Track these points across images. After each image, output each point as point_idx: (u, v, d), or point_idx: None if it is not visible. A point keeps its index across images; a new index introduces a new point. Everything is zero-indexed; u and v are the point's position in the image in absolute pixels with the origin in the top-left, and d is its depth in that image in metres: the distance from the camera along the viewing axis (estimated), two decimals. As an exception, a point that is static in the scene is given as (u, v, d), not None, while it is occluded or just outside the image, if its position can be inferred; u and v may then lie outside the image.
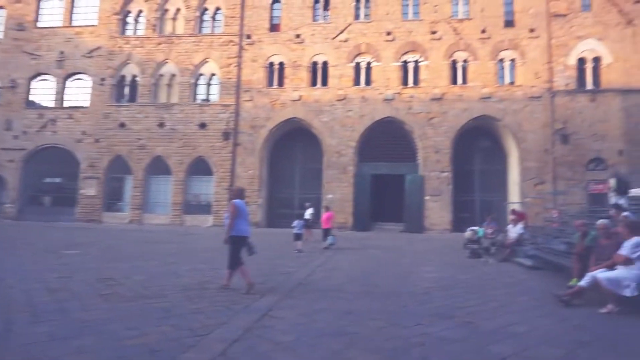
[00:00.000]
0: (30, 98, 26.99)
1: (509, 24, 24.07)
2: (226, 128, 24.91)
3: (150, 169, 25.39)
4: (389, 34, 24.48)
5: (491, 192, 24.44)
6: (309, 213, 17.40)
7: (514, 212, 15.07)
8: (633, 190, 14.42)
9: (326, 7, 25.56)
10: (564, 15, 23.31)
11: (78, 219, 25.10)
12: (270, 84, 25.29)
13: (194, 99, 25.79)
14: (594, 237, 7.60)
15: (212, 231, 20.66)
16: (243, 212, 7.16)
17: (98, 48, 26.38)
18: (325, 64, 24.90)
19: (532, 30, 23.55)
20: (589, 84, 23.00)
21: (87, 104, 26.25)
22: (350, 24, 24.91)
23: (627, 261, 6.00)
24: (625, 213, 8.27)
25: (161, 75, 26.04)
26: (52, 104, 26.64)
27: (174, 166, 25.02)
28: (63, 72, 26.62)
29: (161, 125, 25.30)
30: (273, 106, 24.85)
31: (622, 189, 12.46)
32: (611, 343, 4.71)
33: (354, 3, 25.15)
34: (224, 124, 24.97)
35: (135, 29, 26.91)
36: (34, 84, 27.07)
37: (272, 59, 25.32)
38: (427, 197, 23.32)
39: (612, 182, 12.71)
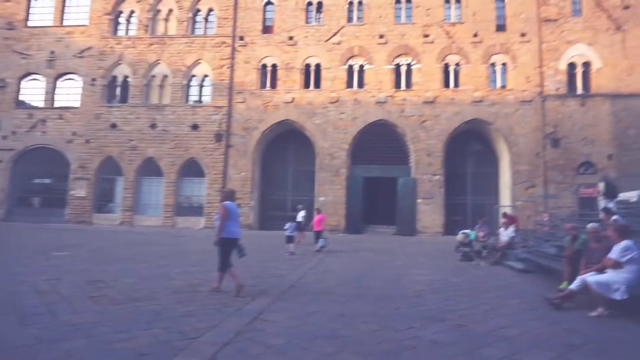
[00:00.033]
0: (20, 98, 26.69)
1: (501, 28, 24.29)
2: (218, 130, 24.82)
3: (142, 170, 25.22)
4: (381, 37, 24.58)
5: (483, 195, 24.60)
6: (301, 215, 17.36)
7: (505, 215, 15.17)
8: (622, 194, 14.60)
9: (319, 9, 25.61)
10: (555, 20, 23.57)
11: (68, 220, 24.84)
12: (263, 85, 25.26)
13: (186, 100, 25.68)
14: (584, 240, 7.66)
15: (204, 233, 20.55)
16: (234, 214, 7.13)
17: (89, 48, 26.17)
18: (318, 66, 24.93)
19: (523, 35, 23.78)
20: (579, 89, 23.27)
21: (77, 104, 26.01)
22: (343, 27, 24.97)
23: (617, 265, 6.05)
24: (614, 217, 8.34)
25: (153, 76, 25.89)
26: (42, 104, 26.36)
27: (165, 167, 24.87)
28: (53, 72, 26.37)
29: (153, 126, 25.14)
30: (266, 108, 24.82)
31: (611, 192, 12.58)
32: (601, 346, 4.74)
33: (347, 6, 25.22)
34: (217, 125, 24.88)
35: (127, 30, 26.74)
36: (24, 83, 26.78)
37: (265, 61, 25.30)
38: (419, 200, 23.41)
39: (601, 186, 12.83)
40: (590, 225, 7.43)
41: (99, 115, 25.56)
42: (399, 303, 6.67)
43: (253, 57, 25.30)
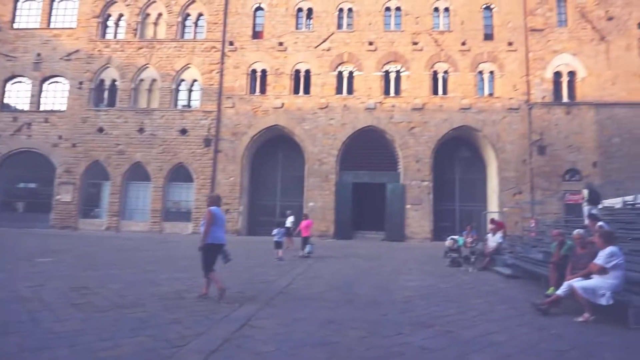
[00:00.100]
0: (5, 101, 26.29)
1: (488, 37, 24.63)
2: (207, 135, 24.70)
3: (129, 175, 24.96)
4: (371, 44, 24.74)
5: (471, 201, 24.79)
6: (289, 221, 17.31)
7: (493, 221, 15.31)
8: (607, 201, 14.84)
9: (309, 15, 25.71)
10: (541, 30, 23.97)
11: (53, 225, 24.44)
12: (252, 91, 25.23)
13: (175, 104, 25.52)
14: (570, 246, 7.74)
15: (192, 239, 20.35)
16: (219, 219, 7.08)
17: (77, 51, 25.91)
18: (307, 72, 24.99)
19: (510, 44, 24.13)
20: (565, 97, 23.65)
21: (64, 107, 25.69)
22: (333, 33, 25.09)
23: (602, 270, 6.12)
24: (600, 223, 8.46)
25: (141, 80, 25.71)
26: (27, 107, 25.98)
27: (153, 172, 24.64)
28: (40, 74, 26.04)
29: (141, 130, 24.93)
30: (255, 113, 24.77)
31: (594, 199, 12.80)
32: (587, 352, 4.78)
33: (337, 13, 25.36)
34: (205, 130, 24.75)
35: (116, 33, 26.55)
36: (9, 86, 26.40)
37: (254, 66, 25.28)
38: (408, 206, 23.50)
39: (585, 192, 13.06)
40: (576, 232, 7.52)
41: (86, 119, 25.26)
42: (388, 309, 6.66)
43: (243, 62, 25.27)
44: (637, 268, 6.94)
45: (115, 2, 26.40)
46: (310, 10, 25.60)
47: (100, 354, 4.16)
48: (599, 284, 6.07)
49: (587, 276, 6.32)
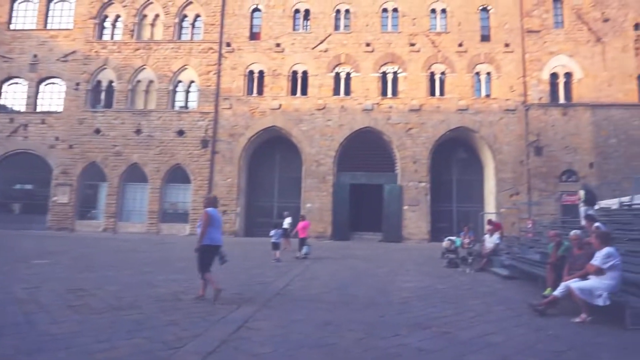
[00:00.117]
0: (1, 102, 26.18)
1: (485, 38, 24.70)
2: (205, 136, 24.66)
3: (126, 176, 24.89)
4: (368, 45, 24.77)
5: (468, 202, 24.83)
6: (287, 222, 17.29)
7: (490, 222, 15.32)
8: (603, 202, 14.89)
9: (306, 17, 25.74)
10: (537, 32, 24.05)
11: (49, 227, 24.34)
12: (249, 92, 25.22)
13: (172, 106, 25.47)
14: (567, 247, 7.76)
15: (189, 240, 20.27)
16: (216, 220, 7.08)
17: (73, 52, 25.83)
18: (305, 73, 25.00)
19: (507, 45, 24.20)
20: (561, 98, 23.73)
21: (60, 109, 25.61)
22: (330, 35, 25.11)
23: (599, 271, 6.13)
24: (596, 224, 8.48)
25: (138, 81, 25.66)
26: (24, 109, 25.89)
27: (150, 174, 24.58)
28: (36, 75, 25.95)
29: (138, 132, 24.87)
30: (252, 114, 24.76)
31: (590, 200, 12.85)
32: (585, 353, 4.79)
33: (334, 14, 25.39)
34: (203, 131, 24.72)
35: (113, 34, 26.49)
36: (5, 87, 26.29)
37: (252, 67, 25.27)
38: (405, 207, 23.52)
39: (581, 193, 13.10)
40: (573, 233, 7.54)
41: (83, 120, 25.19)
42: (385, 310, 6.66)
43: (240, 63, 25.26)
44: (634, 269, 6.96)
45: (112, 3, 26.37)
46: (307, 12, 25.62)
47: (97, 356, 4.14)
48: (595, 285, 6.08)
49: (584, 277, 6.34)
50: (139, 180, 24.77)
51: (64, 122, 25.26)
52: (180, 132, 24.76)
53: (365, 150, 24.67)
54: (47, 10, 26.90)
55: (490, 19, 24.78)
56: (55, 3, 27.04)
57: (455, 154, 25.59)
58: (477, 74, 24.40)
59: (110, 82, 25.75)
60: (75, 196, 24.80)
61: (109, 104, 25.70)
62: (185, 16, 26.21)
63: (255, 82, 25.27)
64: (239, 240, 21.59)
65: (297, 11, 25.67)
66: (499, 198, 22.97)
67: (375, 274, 11.07)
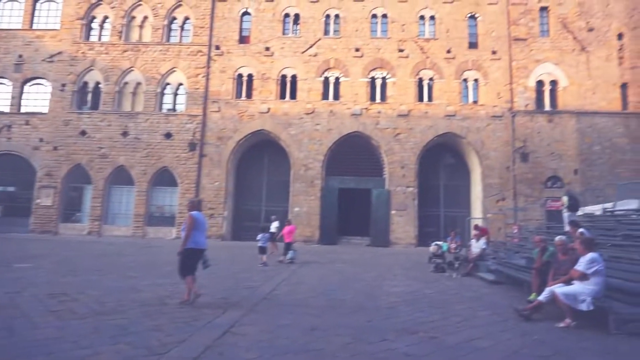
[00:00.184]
0: (-16, 102, 25.71)
1: (473, 45, 24.99)
2: (192, 139, 24.49)
3: (112, 179, 24.59)
4: (357, 50, 24.89)
5: (455, 207, 25.00)
6: (274, 226, 17.22)
7: (476, 227, 15.45)
8: (587, 208, 15.11)
9: (296, 21, 25.78)
10: (524, 40, 24.41)
11: (32, 230, 23.91)
12: (238, 95, 25.14)
13: (160, 108, 25.25)
14: (552, 252, 7.83)
15: (175, 244, 20.01)
16: (201, 224, 7.03)
17: (59, 53, 25.49)
18: (294, 77, 25.00)
19: (494, 52, 24.52)
20: (547, 106, 24.08)
21: (46, 110, 25.22)
22: (319, 39, 25.17)
23: (583, 276, 6.20)
24: (580, 230, 8.59)
25: (126, 83, 25.40)
26: (7, 109, 25.42)
27: (137, 176, 24.31)
28: (21, 76, 25.54)
29: (125, 134, 24.60)
30: (241, 118, 24.67)
31: (573, 205, 13.05)
32: (569, 357, 4.83)
33: (324, 19, 25.47)
34: (191, 134, 24.55)
35: (100, 35, 26.21)
36: (-11, 87, 25.85)
37: (240, 71, 25.21)
38: (393, 212, 23.60)
39: (565, 199, 13.30)
40: (558, 238, 7.62)
41: (68, 121, 24.84)
42: (373, 315, 6.65)
43: (229, 66, 25.17)
44: (617, 274, 7.05)
45: (100, 4, 26.11)
46: (297, 16, 25.67)
47: (78, 362, 4.06)
48: (579, 290, 6.14)
49: (568, 282, 6.40)
50: (125, 183, 24.48)
51: (48, 123, 24.88)
52: (168, 135, 24.56)
53: (353, 154, 24.73)
54: (34, 10, 26.53)
55: (478, 27, 25.09)
56: (42, 3, 26.69)
57: (442, 159, 25.80)
58: (465, 80, 24.66)
59: (97, 83, 25.46)
60: (59, 199, 24.40)
61: (95, 106, 25.38)
62: (175, 18, 26.07)
63: (244, 85, 25.21)
64: (226, 244, 21.44)
65: (286, 15, 25.70)
66: (486, 203, 23.17)
67: (362, 278, 11.06)
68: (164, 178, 24.50)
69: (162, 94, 25.40)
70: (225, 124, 24.61)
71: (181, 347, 4.63)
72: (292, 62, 25.02)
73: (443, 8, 25.07)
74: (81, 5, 26.02)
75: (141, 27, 26.03)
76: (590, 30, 24.16)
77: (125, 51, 25.47)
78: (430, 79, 24.62)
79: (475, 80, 24.58)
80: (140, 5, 25.98)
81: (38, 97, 25.61)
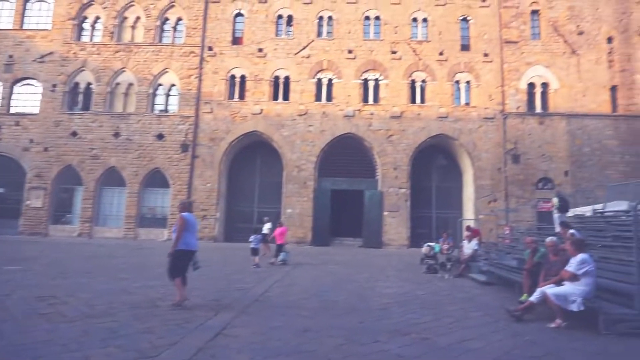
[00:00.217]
0: (-27, 102, 25.40)
1: (465, 47, 25.14)
2: (185, 140, 24.38)
3: (103, 180, 24.39)
4: (350, 52, 24.94)
5: (447, 208, 25.11)
6: (267, 227, 17.14)
7: (468, 228, 15.51)
8: (578, 209, 15.24)
9: (289, 22, 25.77)
10: (516, 42, 24.61)
11: (22, 231, 23.65)
12: (231, 96, 25.07)
13: (152, 109, 25.11)
14: (543, 253, 7.89)
15: (167, 245, 19.91)
16: (192, 225, 7.01)
17: (51, 53, 25.26)
18: (287, 78, 24.99)
19: (486, 55, 24.69)
20: (538, 108, 24.30)
21: (36, 110, 24.97)
22: (312, 41, 25.19)
23: (574, 277, 6.24)
24: (571, 231, 8.65)
25: (118, 84, 25.23)
26: (-3, 110, 25.18)
27: (128, 178, 24.15)
28: (11, 76, 25.27)
29: (116, 135, 24.43)
30: (233, 119, 24.60)
31: (563, 207, 13.15)
32: (560, 358, 4.86)
33: (317, 20, 25.49)
34: (183, 135, 24.43)
35: (92, 36, 26.01)
36: (-22, 87, 25.53)
37: (233, 72, 25.14)
38: (385, 213, 23.65)
39: (555, 200, 13.40)
40: (549, 239, 7.67)
41: (59, 122, 24.62)
42: (365, 316, 6.65)
43: (222, 67, 25.10)
44: (608, 275, 7.11)
45: (92, 4, 25.92)
46: (290, 18, 25.67)
47: (67, 365, 4.01)
48: (570, 291, 6.18)
49: (559, 283, 6.44)
50: (116, 184, 24.30)
51: (39, 124, 24.64)
52: (160, 136, 24.42)
53: (346, 156, 24.76)
54: (24, 10, 26.28)
55: (470, 29, 25.25)
56: (33, 3, 26.46)
57: (435, 160, 25.91)
58: (457, 82, 24.80)
59: (89, 84, 25.26)
60: (49, 200, 24.16)
61: (86, 107, 25.18)
62: (167, 19, 25.95)
63: (237, 86, 25.15)
64: (219, 246, 21.36)
65: (280, 17, 25.69)
66: (478, 205, 23.30)
67: (355, 279, 11.06)
68: (156, 179, 24.36)
69: (154, 94, 25.27)
70: (218, 125, 24.53)
71: (173, 349, 4.59)
72: (285, 63, 25.01)
73: (435, 10, 25.21)
74: (73, 5, 25.82)
75: (133, 27, 25.88)
76: (581, 33, 24.42)
77: (117, 52, 25.31)
78: (423, 81, 24.73)
79: (467, 82, 24.73)
80: (132, 5, 25.83)
81: (28, 98, 25.35)
